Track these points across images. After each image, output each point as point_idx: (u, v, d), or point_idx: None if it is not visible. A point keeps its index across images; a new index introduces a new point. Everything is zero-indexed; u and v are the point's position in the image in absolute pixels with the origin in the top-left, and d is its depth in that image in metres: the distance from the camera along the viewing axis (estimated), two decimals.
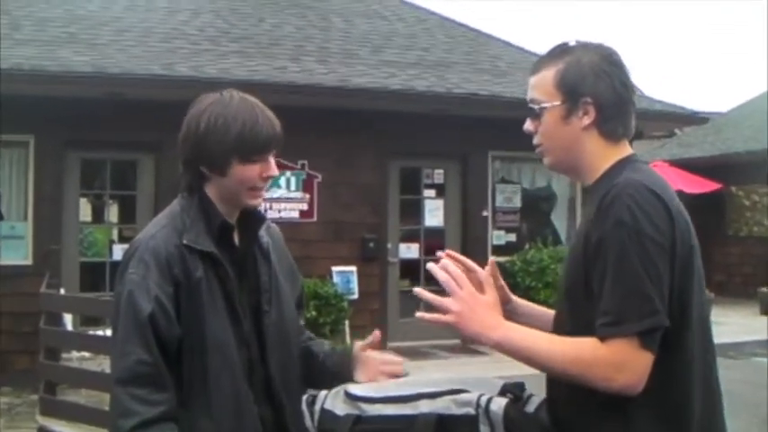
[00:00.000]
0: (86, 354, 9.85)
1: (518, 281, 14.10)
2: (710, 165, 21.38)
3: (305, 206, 13.54)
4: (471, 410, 2.41)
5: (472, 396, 2.43)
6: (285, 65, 13.66)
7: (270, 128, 2.79)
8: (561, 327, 2.53)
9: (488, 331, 2.45)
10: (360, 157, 13.65)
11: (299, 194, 13.45)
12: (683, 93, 64.26)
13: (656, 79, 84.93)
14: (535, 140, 2.66)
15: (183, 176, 2.87)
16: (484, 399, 2.41)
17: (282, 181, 13.42)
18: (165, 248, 2.70)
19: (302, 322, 3.19)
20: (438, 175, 14.85)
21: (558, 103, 2.57)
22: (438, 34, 16.86)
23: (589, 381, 2.33)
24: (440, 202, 14.80)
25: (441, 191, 14.85)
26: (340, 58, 14.60)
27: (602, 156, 2.58)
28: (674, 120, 16.73)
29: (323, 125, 13.24)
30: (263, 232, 2.98)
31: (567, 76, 2.56)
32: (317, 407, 2.64)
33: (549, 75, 2.59)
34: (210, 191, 2.83)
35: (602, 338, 2.32)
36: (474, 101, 13.83)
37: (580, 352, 2.35)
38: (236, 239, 2.91)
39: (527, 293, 13.92)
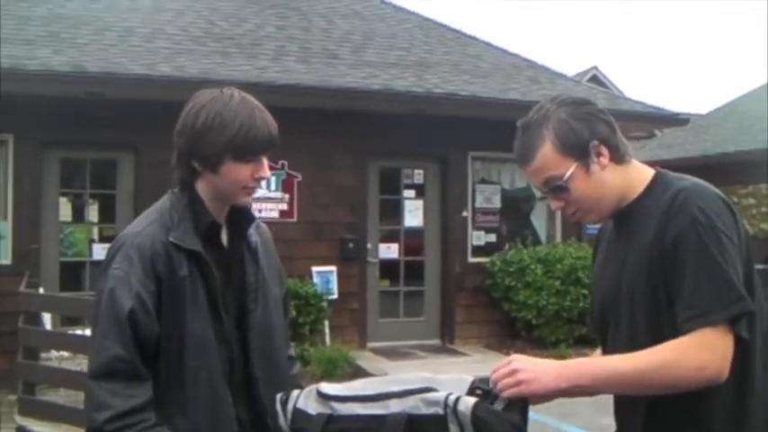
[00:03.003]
0: (65, 353, 9.81)
1: (498, 281, 14.14)
2: (691, 166, 21.32)
3: (285, 206, 13.53)
4: (440, 410, 2.42)
5: (440, 395, 2.44)
6: (266, 65, 13.66)
7: (266, 130, 2.79)
8: (635, 346, 2.51)
9: (563, 379, 2.44)
10: (340, 158, 13.64)
11: (278, 194, 13.44)
12: (662, 95, 64.57)
13: (637, 81, 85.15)
14: (570, 210, 2.68)
15: (176, 170, 2.88)
16: (452, 398, 2.42)
17: (263, 181, 13.37)
18: (150, 245, 2.69)
19: (292, 353, 3.21)
20: (418, 176, 14.85)
21: (575, 165, 2.58)
22: (418, 34, 16.87)
23: (681, 377, 2.37)
24: (419, 203, 14.80)
25: (420, 191, 14.85)
26: (321, 58, 14.60)
27: (630, 178, 2.67)
28: (654, 121, 16.80)
29: (303, 125, 13.22)
30: (252, 231, 2.98)
31: (565, 138, 2.59)
32: (290, 406, 2.65)
33: (547, 150, 2.60)
34: (201, 187, 2.83)
35: (689, 331, 2.37)
36: (454, 101, 13.84)
37: (665, 353, 2.39)
38: (225, 238, 2.90)
39: (507, 293, 13.99)
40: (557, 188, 2.61)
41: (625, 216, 2.66)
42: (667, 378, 2.37)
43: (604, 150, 2.60)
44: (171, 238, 2.72)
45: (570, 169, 2.57)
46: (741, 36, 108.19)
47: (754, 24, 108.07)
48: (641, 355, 2.43)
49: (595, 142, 2.58)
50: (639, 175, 2.68)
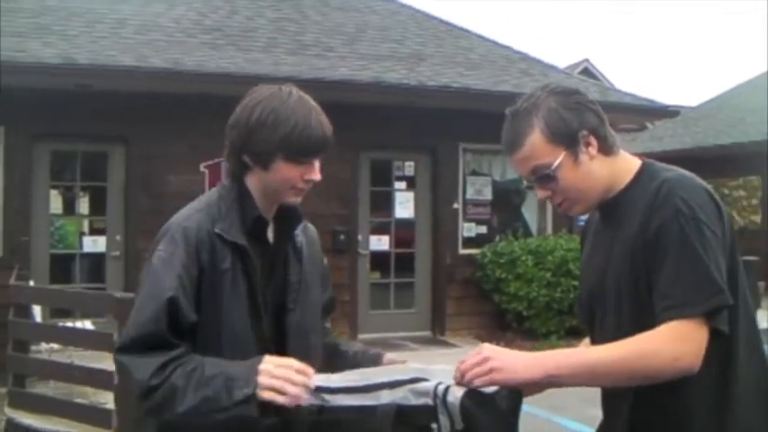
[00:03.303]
0: (55, 346, 9.81)
1: (488, 273, 14.15)
2: (681, 158, 21.35)
3: None
4: (429, 401, 2.42)
5: (430, 385, 2.44)
6: (258, 57, 13.63)
7: (321, 132, 2.76)
8: (621, 336, 2.51)
9: (535, 369, 2.42)
10: (331, 149, 13.51)
11: None
12: (653, 87, 64.70)
13: (628, 74, 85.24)
14: (557, 200, 2.68)
15: (227, 163, 2.85)
16: (441, 388, 2.41)
17: None
18: (196, 233, 2.70)
19: (328, 325, 3.20)
20: (409, 168, 14.84)
21: (563, 154, 2.58)
22: (411, 27, 16.86)
23: (656, 367, 2.37)
24: (410, 195, 14.79)
25: (411, 183, 14.84)
26: (313, 50, 14.58)
27: (617, 169, 2.66)
28: (645, 113, 16.83)
29: None
30: (298, 231, 2.96)
31: (554, 126, 2.58)
32: None
33: (536, 138, 2.59)
34: (251, 182, 2.81)
35: (666, 321, 2.38)
36: (446, 93, 13.84)
37: (642, 343, 2.39)
38: (271, 235, 2.89)
39: (497, 285, 14.01)
40: (544, 177, 2.60)
41: (611, 207, 2.66)
42: (643, 368, 2.38)
43: (593, 141, 2.59)
44: (216, 230, 2.71)
45: (559, 158, 2.56)
46: (731, 30, 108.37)
47: (745, 18, 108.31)
48: (617, 346, 2.43)
49: (584, 132, 2.58)
50: (626, 165, 2.68)
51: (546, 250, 14.07)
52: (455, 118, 14.14)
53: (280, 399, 2.45)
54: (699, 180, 2.56)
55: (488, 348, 2.47)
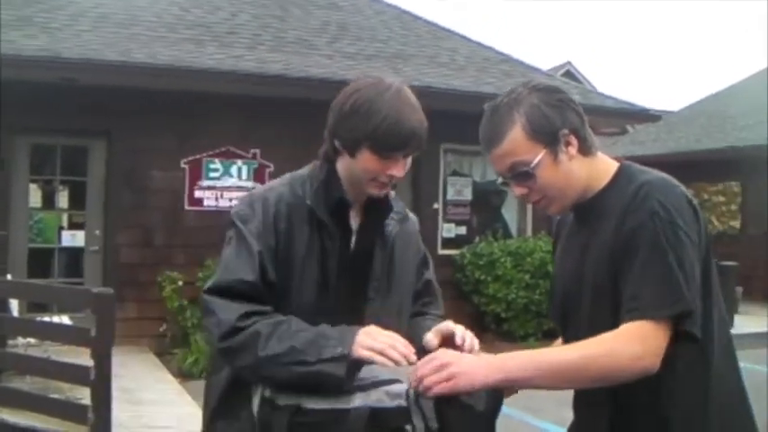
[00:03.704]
0: (32, 340, 9.76)
1: (467, 274, 14.17)
2: (662, 162, 21.49)
3: None
4: (403, 402, 2.42)
5: (403, 387, 2.44)
6: (241, 53, 13.61)
7: (410, 129, 2.70)
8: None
9: (495, 372, 2.39)
10: (312, 148, 13.37)
11: (250, 184, 13.39)
12: (635, 91, 64.92)
13: (610, 77, 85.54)
14: (533, 198, 2.63)
15: (324, 144, 2.87)
16: (412, 390, 2.40)
17: (234, 170, 13.39)
18: (275, 203, 2.75)
19: (424, 309, 3.12)
20: None
21: (543, 152, 2.54)
22: (394, 27, 16.87)
23: (616, 368, 2.37)
24: (390, 194, 14.75)
25: None
26: (296, 48, 14.57)
27: (595, 170, 2.64)
28: (626, 117, 16.89)
29: (276, 114, 13.21)
30: (390, 221, 2.93)
31: (536, 124, 2.53)
32: (257, 396, 2.64)
33: (516, 134, 2.54)
34: (340, 166, 2.82)
35: (629, 321, 2.38)
36: (429, 93, 13.84)
37: (602, 343, 2.39)
38: (355, 221, 2.88)
39: (477, 287, 14.02)
40: (522, 174, 2.56)
41: (587, 208, 2.65)
42: (602, 368, 2.37)
43: (573, 140, 2.56)
44: (308, 202, 2.76)
45: (538, 156, 2.52)
46: (714, 36, 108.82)
47: (727, 24, 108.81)
48: (578, 346, 2.43)
49: (566, 131, 2.55)
50: (604, 167, 2.66)
51: (525, 252, 14.10)
52: (437, 118, 13.90)
53: (378, 358, 2.46)
54: (677, 183, 2.54)
55: (446, 354, 2.45)
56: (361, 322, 2.69)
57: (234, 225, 2.74)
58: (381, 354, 2.46)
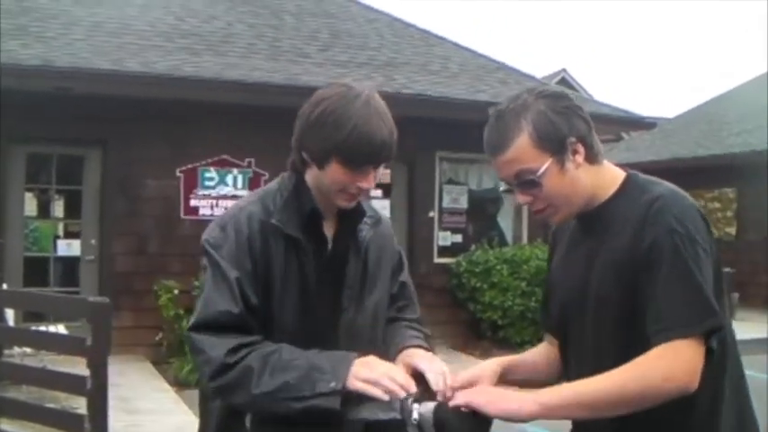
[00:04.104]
0: (28, 350, 9.74)
1: (463, 282, 14.16)
2: (657, 169, 21.49)
3: None
4: (397, 415, 2.39)
5: (397, 399, 2.40)
6: (235, 62, 13.62)
7: (380, 141, 2.60)
8: (600, 348, 2.51)
9: (526, 402, 2.37)
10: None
11: (245, 192, 13.38)
12: (630, 98, 64.94)
13: (605, 84, 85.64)
14: (537, 206, 2.57)
15: (291, 155, 2.79)
16: (409, 401, 2.39)
17: (229, 179, 13.39)
18: (248, 224, 2.65)
19: (399, 314, 3.01)
20: (385, 175, 14.77)
21: (550, 160, 2.48)
22: (387, 34, 16.88)
23: (648, 390, 2.32)
24: (386, 203, 14.73)
25: (387, 191, 14.78)
26: (291, 56, 14.58)
27: (601, 179, 2.60)
28: (621, 124, 16.91)
29: (271, 123, 13.14)
30: (364, 226, 2.86)
31: (543, 131, 2.47)
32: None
33: (523, 142, 2.48)
34: (309, 177, 2.74)
35: (660, 342, 2.33)
36: (422, 101, 13.85)
37: (634, 367, 2.34)
38: (329, 230, 2.80)
39: (472, 294, 14.02)
40: (528, 182, 2.50)
41: (593, 218, 2.60)
42: (638, 392, 2.33)
43: (580, 148, 2.52)
44: (273, 221, 2.67)
45: (545, 164, 2.47)
46: (710, 43, 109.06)
47: (721, 32, 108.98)
48: (613, 373, 2.38)
49: (573, 139, 2.50)
50: (611, 176, 2.61)
51: (521, 259, 14.10)
52: (431, 126, 14.14)
53: (374, 390, 2.41)
54: (688, 196, 2.51)
55: (481, 387, 2.50)
56: (336, 333, 2.70)
57: (207, 253, 2.66)
58: (377, 384, 2.41)
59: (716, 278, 2.46)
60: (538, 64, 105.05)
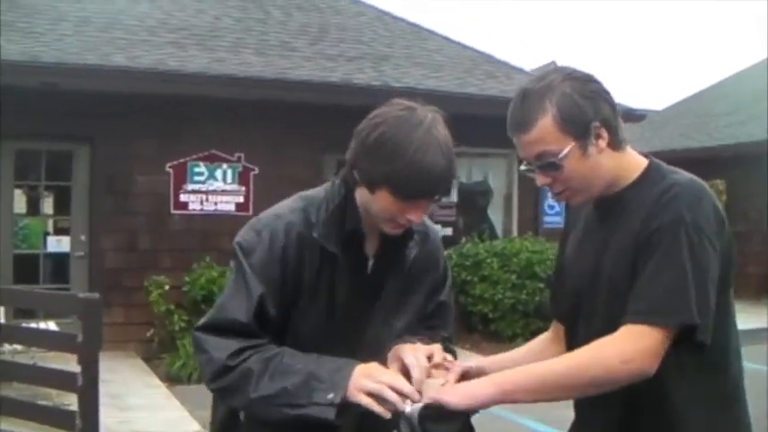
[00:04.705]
0: (19, 347, 9.72)
1: (454, 275, 14.13)
2: None
3: (241, 199, 13.47)
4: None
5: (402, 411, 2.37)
6: (224, 56, 13.60)
7: (437, 176, 2.46)
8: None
9: (483, 387, 2.38)
10: (297, 150, 13.57)
11: (235, 187, 13.39)
12: (619, 91, 64.79)
13: (594, 76, 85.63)
14: (556, 189, 2.54)
15: (345, 167, 2.68)
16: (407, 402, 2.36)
17: (219, 173, 13.37)
18: (285, 233, 2.60)
19: (445, 334, 2.88)
20: None
21: (573, 144, 2.45)
22: (377, 28, 16.86)
23: (606, 370, 2.32)
24: None
25: None
26: (278, 50, 14.56)
27: (623, 165, 2.57)
28: None
29: (260, 117, 13.20)
30: (413, 244, 2.75)
31: (567, 114, 2.44)
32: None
33: (547, 123, 2.44)
34: (358, 195, 2.64)
35: (628, 323, 2.34)
36: (412, 95, 13.81)
37: (592, 348, 2.36)
38: (372, 245, 2.72)
39: (463, 288, 14.01)
40: (549, 164, 2.48)
41: (611, 203, 2.57)
42: (593, 373, 2.33)
43: (604, 133, 2.48)
44: (314, 233, 2.60)
45: (567, 147, 2.45)
46: (697, 34, 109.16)
47: (708, 24, 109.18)
48: (568, 355, 2.42)
49: (597, 123, 2.47)
50: (633, 162, 2.59)
51: (511, 252, 14.10)
52: None
53: (376, 408, 2.36)
54: (704, 185, 2.49)
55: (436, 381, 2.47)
56: (361, 346, 2.63)
57: (236, 257, 2.61)
58: (380, 394, 2.36)
59: (723, 274, 2.46)
60: (527, 56, 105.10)
